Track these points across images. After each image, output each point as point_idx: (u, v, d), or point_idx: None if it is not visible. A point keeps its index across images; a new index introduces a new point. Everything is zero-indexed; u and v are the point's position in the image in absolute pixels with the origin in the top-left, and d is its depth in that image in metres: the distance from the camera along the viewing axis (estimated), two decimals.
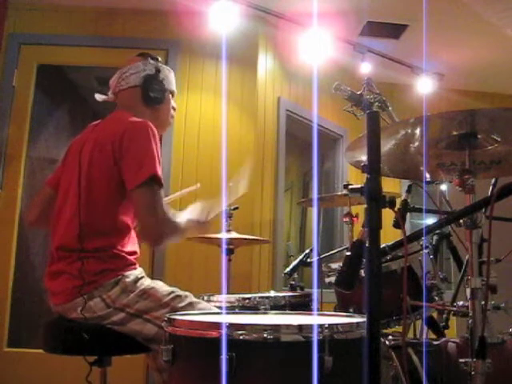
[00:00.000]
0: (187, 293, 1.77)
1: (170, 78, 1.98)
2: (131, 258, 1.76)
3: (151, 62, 1.92)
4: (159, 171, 1.68)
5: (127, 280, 1.69)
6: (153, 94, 1.89)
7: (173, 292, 1.74)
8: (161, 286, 1.76)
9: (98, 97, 1.95)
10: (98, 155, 1.73)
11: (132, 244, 1.79)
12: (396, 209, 1.10)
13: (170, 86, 1.96)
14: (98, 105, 2.02)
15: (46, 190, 1.98)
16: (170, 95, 1.98)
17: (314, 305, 2.18)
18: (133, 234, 1.82)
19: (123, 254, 1.73)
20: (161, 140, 1.83)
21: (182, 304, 1.71)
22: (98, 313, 1.65)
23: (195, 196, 2.21)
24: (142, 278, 1.75)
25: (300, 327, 1.14)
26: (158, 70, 1.91)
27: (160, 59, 1.98)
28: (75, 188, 1.74)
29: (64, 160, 1.93)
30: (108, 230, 1.71)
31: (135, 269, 1.76)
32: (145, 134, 1.70)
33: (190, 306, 1.72)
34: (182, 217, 1.79)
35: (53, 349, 1.73)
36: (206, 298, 2.04)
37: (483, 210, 1.37)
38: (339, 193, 2.51)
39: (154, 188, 1.66)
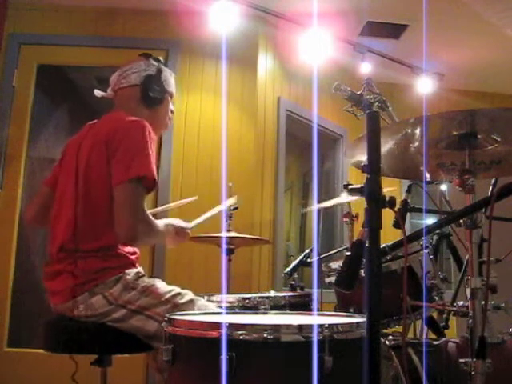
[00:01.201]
0: (187, 290, 1.77)
1: (171, 80, 1.98)
2: (132, 257, 1.77)
3: (153, 62, 1.93)
4: (151, 171, 1.66)
5: (128, 277, 1.70)
6: (152, 94, 1.88)
7: (173, 289, 1.75)
8: (161, 284, 1.77)
9: (97, 93, 1.95)
10: (95, 155, 1.73)
11: None
12: (396, 209, 1.10)
13: (169, 88, 1.96)
14: (97, 105, 2.03)
15: (43, 189, 1.99)
16: (169, 98, 1.98)
17: (314, 305, 2.18)
18: None
19: (124, 253, 1.73)
20: (160, 140, 1.83)
21: (183, 300, 1.72)
22: (100, 310, 1.65)
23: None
24: (142, 275, 1.76)
25: (300, 327, 1.14)
26: (159, 71, 1.92)
27: (162, 60, 1.98)
28: (73, 189, 1.74)
29: (61, 160, 1.94)
30: (107, 230, 1.69)
31: (135, 267, 1.77)
32: (140, 133, 1.69)
33: (191, 302, 1.73)
34: (161, 221, 1.78)
35: (53, 348, 1.73)
36: (206, 298, 2.04)
37: (483, 210, 1.37)
38: (341, 201, 2.52)
39: (138, 188, 1.63)
